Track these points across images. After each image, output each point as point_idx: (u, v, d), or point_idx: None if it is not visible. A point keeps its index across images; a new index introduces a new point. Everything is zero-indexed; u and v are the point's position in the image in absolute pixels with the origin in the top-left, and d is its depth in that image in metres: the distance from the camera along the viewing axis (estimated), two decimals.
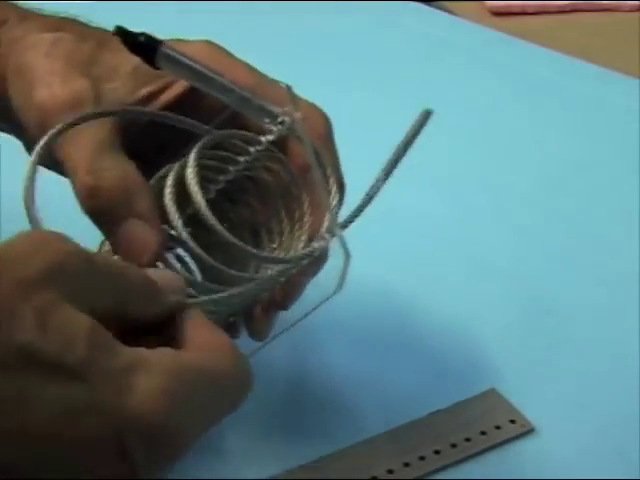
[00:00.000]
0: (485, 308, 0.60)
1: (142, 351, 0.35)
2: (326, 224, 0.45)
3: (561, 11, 0.98)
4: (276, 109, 0.44)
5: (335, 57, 0.86)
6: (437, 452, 0.50)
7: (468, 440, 0.51)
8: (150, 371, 0.34)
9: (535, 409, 0.52)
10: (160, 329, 0.38)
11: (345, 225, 0.46)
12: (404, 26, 0.92)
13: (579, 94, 0.83)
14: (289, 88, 0.44)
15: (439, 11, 0.97)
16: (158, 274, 0.39)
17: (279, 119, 0.45)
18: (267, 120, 0.45)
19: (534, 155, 0.75)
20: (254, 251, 0.44)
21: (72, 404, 0.33)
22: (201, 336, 0.38)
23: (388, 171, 0.47)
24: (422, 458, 0.49)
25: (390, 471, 0.49)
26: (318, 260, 0.46)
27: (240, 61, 0.47)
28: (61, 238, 0.35)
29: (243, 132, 0.46)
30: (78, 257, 0.35)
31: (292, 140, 0.46)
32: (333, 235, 0.44)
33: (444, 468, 0.49)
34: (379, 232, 0.62)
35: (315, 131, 0.46)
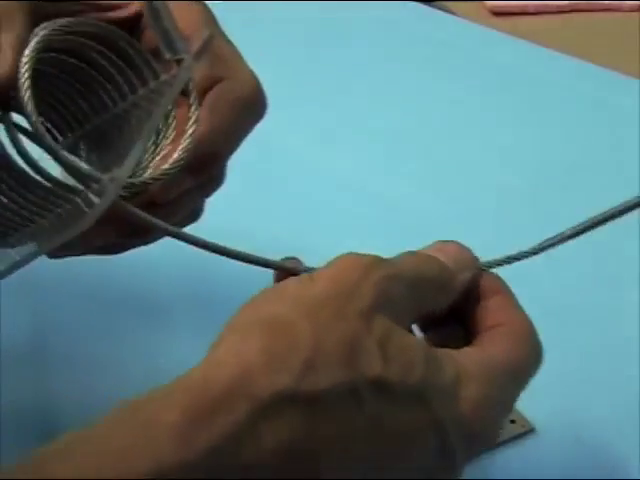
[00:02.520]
0: None
1: (458, 358, 0.37)
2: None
3: (561, 11, 0.98)
4: (183, 46, 0.42)
5: (335, 57, 0.86)
6: None
7: None
8: (471, 380, 0.37)
9: (535, 409, 0.52)
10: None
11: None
12: (404, 26, 0.92)
13: (579, 94, 0.83)
14: (210, 37, 0.43)
15: (439, 11, 0.97)
16: (451, 255, 0.41)
17: (179, 56, 0.42)
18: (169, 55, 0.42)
19: (534, 155, 0.75)
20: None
21: (416, 424, 0.35)
22: (500, 317, 0.41)
23: (574, 234, 0.47)
24: None
25: None
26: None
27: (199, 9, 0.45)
28: (375, 260, 0.37)
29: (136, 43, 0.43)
30: (397, 279, 0.37)
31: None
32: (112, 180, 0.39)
33: None
34: (378, 232, 0.62)
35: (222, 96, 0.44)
